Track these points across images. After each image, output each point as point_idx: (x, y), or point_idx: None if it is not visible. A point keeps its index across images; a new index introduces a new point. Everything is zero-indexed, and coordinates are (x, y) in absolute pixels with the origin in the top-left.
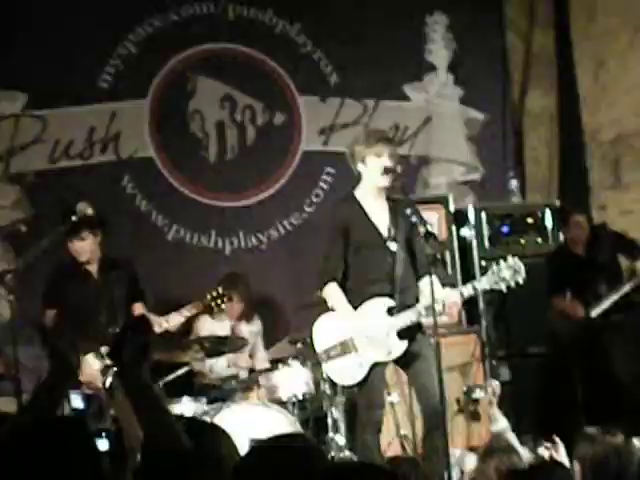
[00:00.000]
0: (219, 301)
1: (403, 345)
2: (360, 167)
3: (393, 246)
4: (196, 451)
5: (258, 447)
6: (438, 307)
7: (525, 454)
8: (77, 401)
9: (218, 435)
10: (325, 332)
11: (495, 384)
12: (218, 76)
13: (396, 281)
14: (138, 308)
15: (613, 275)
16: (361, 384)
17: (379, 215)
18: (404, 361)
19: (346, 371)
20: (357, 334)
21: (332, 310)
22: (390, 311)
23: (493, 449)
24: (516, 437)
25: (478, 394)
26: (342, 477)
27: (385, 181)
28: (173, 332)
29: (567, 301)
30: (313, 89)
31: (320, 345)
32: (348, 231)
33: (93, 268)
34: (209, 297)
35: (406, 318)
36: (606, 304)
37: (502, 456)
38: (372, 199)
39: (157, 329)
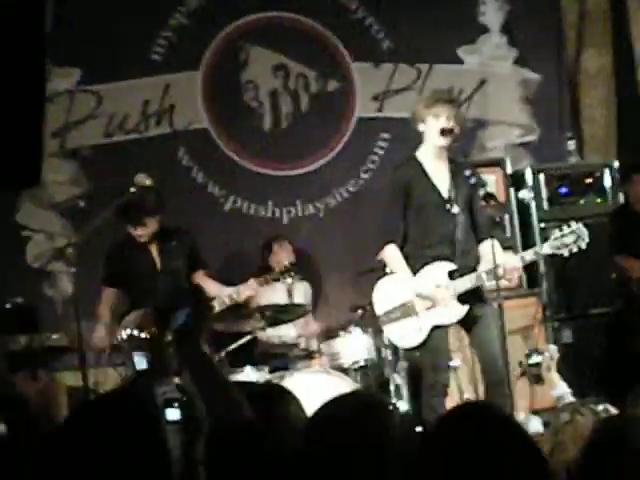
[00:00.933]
0: (286, 275)
1: (464, 309)
2: (421, 127)
3: (454, 208)
4: (262, 418)
5: (325, 406)
6: (499, 271)
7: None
8: (141, 363)
9: (286, 398)
10: (385, 295)
11: (553, 348)
12: (270, 45)
13: (457, 244)
14: (199, 276)
15: None
16: (424, 347)
17: (440, 176)
18: (466, 325)
19: (407, 334)
20: (417, 298)
21: (392, 273)
22: (451, 275)
23: (567, 409)
24: (579, 400)
25: (535, 359)
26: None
27: (443, 141)
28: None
29: (628, 261)
30: (366, 55)
31: (381, 308)
32: (409, 192)
33: (152, 241)
34: (278, 270)
35: (467, 282)
36: None
37: (575, 418)
38: (433, 160)
39: (227, 301)
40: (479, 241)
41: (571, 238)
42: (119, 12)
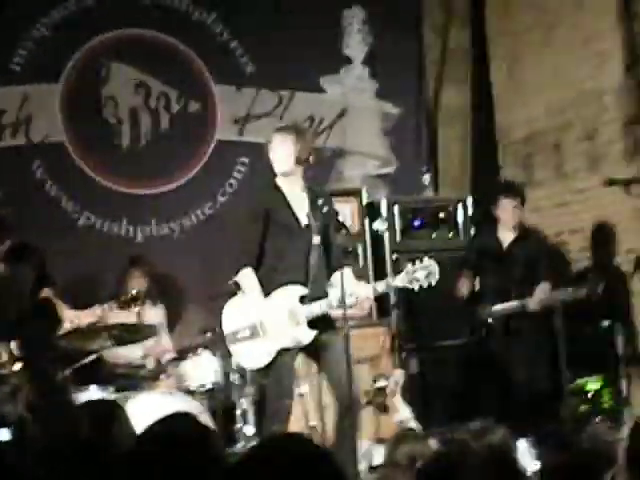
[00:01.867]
0: (133, 304)
1: (312, 334)
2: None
3: (313, 236)
4: (96, 435)
5: (147, 430)
6: (350, 300)
7: (432, 443)
8: None
9: (120, 416)
10: (235, 314)
11: (399, 373)
12: (133, 62)
13: (310, 270)
14: (45, 294)
15: (527, 282)
16: (269, 371)
17: (299, 203)
18: (315, 351)
19: (253, 355)
20: (266, 319)
21: (243, 294)
22: (302, 299)
23: (402, 436)
24: (422, 427)
25: (381, 383)
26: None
27: (279, 168)
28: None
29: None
30: (229, 78)
31: (229, 327)
32: (269, 216)
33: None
34: (124, 299)
35: (317, 307)
36: (503, 308)
37: (411, 443)
38: (291, 188)
39: (68, 324)
40: (331, 270)
41: (422, 273)
42: None
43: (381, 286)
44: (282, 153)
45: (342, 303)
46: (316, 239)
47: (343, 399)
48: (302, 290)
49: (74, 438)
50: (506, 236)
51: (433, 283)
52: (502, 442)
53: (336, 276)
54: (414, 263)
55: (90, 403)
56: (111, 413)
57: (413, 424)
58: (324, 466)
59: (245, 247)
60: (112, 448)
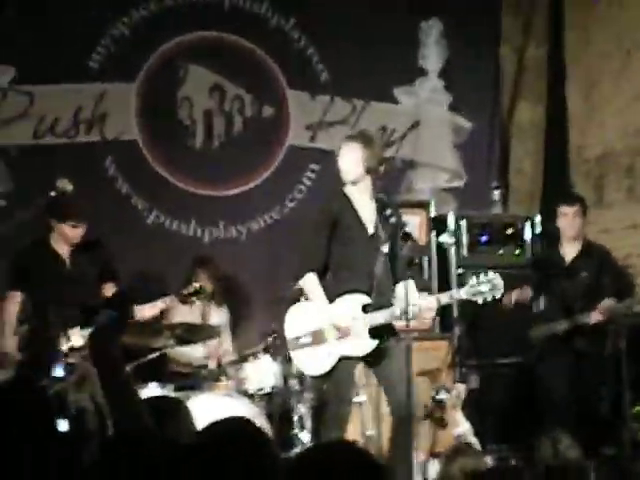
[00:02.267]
0: (195, 297)
1: (373, 343)
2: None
3: (380, 245)
4: (158, 430)
5: (205, 430)
6: (413, 311)
7: (487, 459)
8: (59, 370)
9: (182, 413)
10: (297, 320)
11: (461, 387)
12: (209, 65)
13: (375, 280)
14: (109, 288)
15: (590, 298)
16: (329, 377)
17: (367, 212)
18: (375, 361)
19: (314, 361)
20: (329, 326)
21: (307, 300)
22: (365, 308)
23: (458, 450)
24: (479, 443)
25: (442, 395)
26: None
27: (347, 177)
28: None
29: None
30: (303, 85)
31: (291, 332)
32: (337, 224)
33: (63, 249)
34: (186, 292)
35: (380, 317)
36: (556, 328)
37: (467, 457)
38: (360, 196)
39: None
40: (396, 281)
41: (487, 287)
42: (61, 14)
43: (444, 298)
44: (350, 161)
45: (405, 314)
46: (383, 249)
47: (400, 411)
48: (366, 299)
49: (139, 432)
50: (569, 250)
51: (497, 297)
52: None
53: (399, 287)
54: (478, 276)
55: (154, 399)
56: (173, 410)
57: (472, 439)
58: (375, 477)
59: (311, 252)
60: (171, 444)
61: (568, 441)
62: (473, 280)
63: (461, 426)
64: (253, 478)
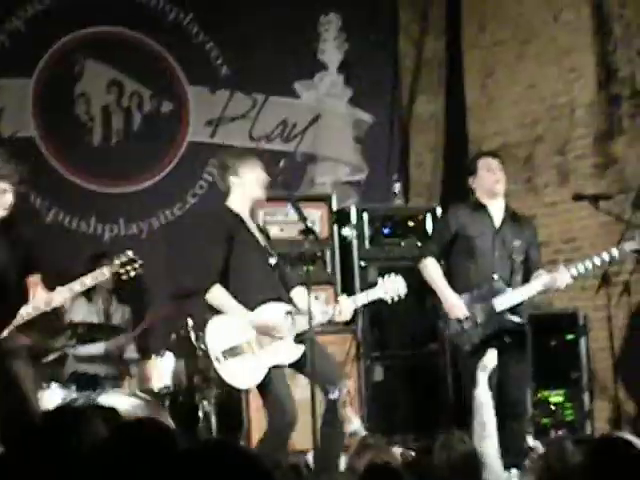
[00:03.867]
0: (129, 267)
1: (301, 349)
2: (233, 179)
3: (272, 258)
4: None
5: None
6: (334, 313)
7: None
8: None
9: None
10: (221, 333)
11: (346, 384)
12: (107, 60)
13: (281, 288)
14: (35, 282)
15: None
16: (264, 390)
17: (253, 225)
18: (297, 365)
19: (243, 374)
20: (255, 336)
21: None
22: (287, 314)
23: (367, 445)
24: (384, 435)
25: (333, 395)
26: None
27: (263, 193)
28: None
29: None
30: (203, 80)
31: (216, 346)
32: (232, 240)
33: None
34: (118, 262)
35: (304, 322)
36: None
37: (375, 452)
38: (245, 210)
39: (44, 307)
40: (289, 289)
41: (394, 287)
42: None
43: (361, 299)
44: (257, 184)
45: (326, 315)
46: (277, 258)
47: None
48: (286, 306)
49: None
50: (495, 213)
51: (402, 297)
52: (469, 452)
53: (296, 293)
54: (383, 277)
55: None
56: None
57: (364, 432)
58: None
59: (212, 264)
60: (78, 450)
61: (461, 436)
62: (380, 281)
63: (354, 422)
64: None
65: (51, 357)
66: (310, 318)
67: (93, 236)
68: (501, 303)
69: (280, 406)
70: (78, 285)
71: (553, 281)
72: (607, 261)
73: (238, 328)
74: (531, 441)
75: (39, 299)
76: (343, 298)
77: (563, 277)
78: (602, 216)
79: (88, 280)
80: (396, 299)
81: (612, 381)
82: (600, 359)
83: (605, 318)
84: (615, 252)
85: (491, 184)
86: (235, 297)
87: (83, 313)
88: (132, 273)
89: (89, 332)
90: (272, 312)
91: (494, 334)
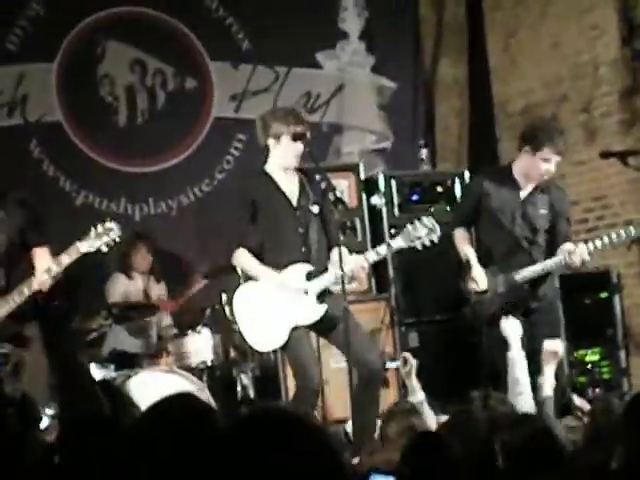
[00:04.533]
0: (105, 237)
1: (323, 308)
2: (271, 142)
3: (306, 214)
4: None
5: (149, 410)
6: (348, 274)
7: (433, 420)
8: None
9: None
10: (246, 300)
11: (408, 355)
12: (128, 40)
13: (311, 248)
14: (41, 254)
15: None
16: (287, 351)
17: (288, 185)
18: (321, 327)
19: (267, 337)
20: (277, 299)
21: (247, 275)
22: (308, 276)
23: (395, 411)
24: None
25: (392, 364)
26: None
27: (296, 162)
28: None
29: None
30: (225, 55)
31: (243, 314)
32: (258, 205)
33: None
34: (92, 234)
35: (325, 282)
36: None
37: (402, 418)
38: (283, 172)
39: (46, 277)
40: (330, 246)
41: (424, 231)
42: None
43: (372, 255)
44: (298, 148)
45: (342, 278)
46: (313, 218)
47: (362, 366)
48: (308, 267)
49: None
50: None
51: (435, 240)
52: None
53: (334, 252)
54: (413, 223)
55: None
56: (113, 393)
57: (425, 407)
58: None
59: (240, 231)
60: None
61: (499, 396)
62: (408, 227)
63: (417, 395)
64: (201, 452)
65: (89, 337)
66: (343, 282)
67: (124, 216)
68: (521, 275)
69: (301, 370)
70: (54, 266)
71: (570, 259)
72: (625, 237)
73: (259, 293)
74: (576, 399)
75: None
76: (352, 257)
77: (581, 253)
78: (631, 172)
79: (63, 258)
80: (428, 243)
81: None
82: (635, 315)
83: (638, 274)
84: (632, 230)
85: (538, 176)
86: (265, 259)
87: (122, 292)
88: (110, 243)
89: (125, 311)
90: (293, 276)
91: (515, 304)
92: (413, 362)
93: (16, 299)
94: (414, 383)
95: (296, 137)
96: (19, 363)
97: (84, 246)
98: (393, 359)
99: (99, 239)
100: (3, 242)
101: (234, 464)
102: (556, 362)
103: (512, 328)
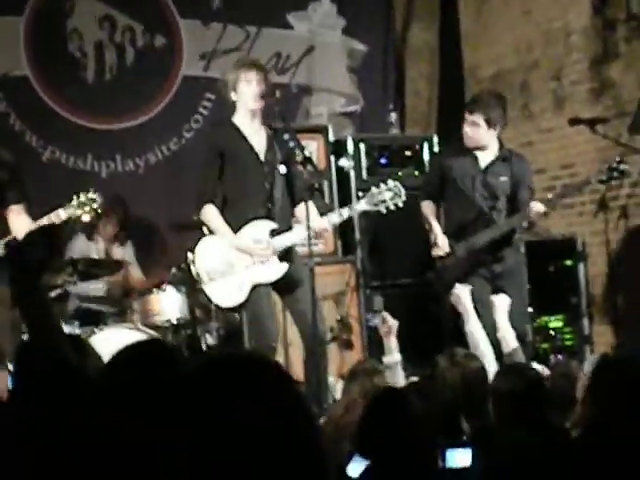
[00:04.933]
0: (86, 208)
1: (284, 267)
2: (233, 96)
3: (273, 170)
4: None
5: (115, 357)
6: (311, 233)
7: (402, 382)
8: None
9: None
10: (207, 254)
11: (386, 315)
12: None
13: (275, 205)
14: (18, 211)
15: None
16: (246, 307)
17: (257, 140)
18: (282, 286)
19: (228, 293)
20: (238, 255)
21: (210, 233)
22: (272, 233)
23: (358, 371)
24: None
25: (372, 321)
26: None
27: (257, 104)
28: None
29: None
30: (195, 13)
31: (202, 267)
32: (224, 154)
33: None
34: (74, 203)
35: (287, 240)
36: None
37: (366, 377)
38: (250, 124)
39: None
40: (294, 203)
41: (388, 195)
42: None
43: (335, 216)
44: (253, 90)
45: (308, 236)
46: (278, 174)
47: (309, 334)
48: (271, 224)
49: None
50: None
51: (400, 204)
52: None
53: (299, 209)
54: (379, 186)
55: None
56: (79, 346)
57: (399, 370)
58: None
59: (206, 185)
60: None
61: (464, 352)
62: (373, 190)
63: (394, 356)
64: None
65: (53, 294)
66: (309, 240)
67: (91, 173)
68: (481, 239)
69: (258, 326)
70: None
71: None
72: None
73: (222, 248)
74: (536, 365)
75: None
76: (317, 218)
77: (537, 206)
78: (599, 140)
79: (44, 221)
80: (392, 207)
81: (611, 305)
82: (598, 283)
83: (603, 243)
84: None
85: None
86: (228, 212)
87: (82, 251)
88: (91, 213)
89: (90, 268)
90: (255, 232)
91: (477, 268)
92: (393, 322)
93: None
94: (392, 343)
95: (249, 81)
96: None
97: (65, 213)
98: (372, 315)
99: (81, 208)
100: None
101: (199, 407)
102: (505, 313)
103: (464, 299)
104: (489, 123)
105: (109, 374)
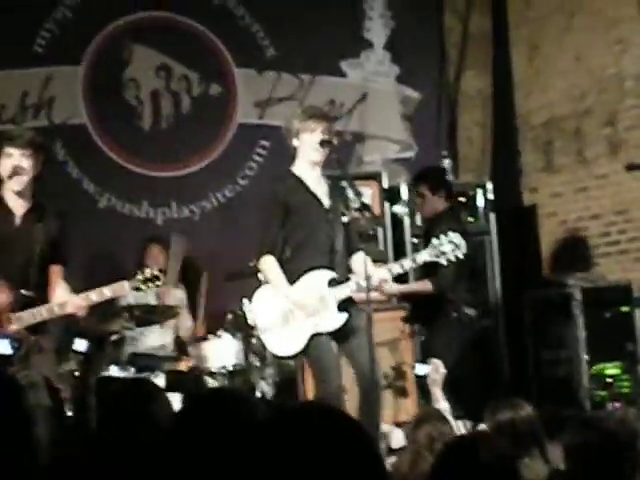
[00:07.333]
0: (150, 284)
1: (343, 317)
2: (295, 142)
3: (335, 218)
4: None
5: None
6: (371, 283)
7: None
8: (3, 345)
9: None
10: (264, 304)
11: (438, 362)
12: (154, 45)
13: (336, 254)
14: (54, 271)
15: None
16: (307, 357)
17: (319, 188)
18: (339, 334)
19: (286, 342)
20: (297, 305)
21: (267, 283)
22: (330, 283)
23: (426, 417)
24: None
25: (421, 371)
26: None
27: (319, 156)
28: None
29: None
30: (250, 62)
31: (260, 317)
32: (289, 207)
33: (17, 205)
34: (140, 278)
35: (346, 290)
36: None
37: (434, 424)
38: (310, 173)
39: (57, 311)
40: (350, 252)
41: (449, 247)
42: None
43: (396, 267)
44: (316, 139)
45: (366, 285)
46: (341, 223)
47: (366, 381)
48: (331, 274)
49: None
50: None
51: (460, 256)
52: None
53: (356, 259)
54: (439, 238)
55: (128, 381)
56: (150, 393)
57: (450, 417)
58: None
59: (267, 235)
60: (153, 427)
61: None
62: (434, 241)
63: (440, 404)
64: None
65: (110, 340)
66: (368, 289)
67: (146, 220)
68: None
69: (322, 375)
70: (95, 295)
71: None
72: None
73: (277, 298)
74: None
75: (54, 301)
76: (377, 268)
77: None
78: None
79: (106, 291)
80: (453, 259)
81: None
82: None
83: None
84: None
85: None
86: (293, 261)
87: (136, 297)
88: (153, 290)
89: (146, 314)
90: (313, 282)
91: None
92: (443, 371)
93: (44, 314)
94: (438, 392)
95: (312, 130)
96: (31, 350)
97: (129, 287)
98: (423, 363)
99: (145, 284)
100: (37, 253)
101: (275, 454)
102: None
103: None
104: None
105: (182, 422)
